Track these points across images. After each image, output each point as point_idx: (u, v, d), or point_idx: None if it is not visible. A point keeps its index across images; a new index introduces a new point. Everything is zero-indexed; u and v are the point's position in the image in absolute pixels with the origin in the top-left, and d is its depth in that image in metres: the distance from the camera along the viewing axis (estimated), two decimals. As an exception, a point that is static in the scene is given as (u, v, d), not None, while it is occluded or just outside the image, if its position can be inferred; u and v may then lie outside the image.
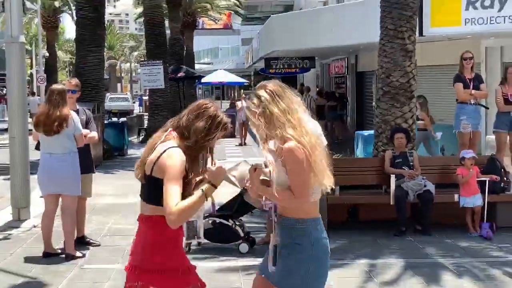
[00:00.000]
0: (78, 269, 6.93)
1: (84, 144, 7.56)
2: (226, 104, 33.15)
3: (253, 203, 7.47)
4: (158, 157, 3.42)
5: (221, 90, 52.17)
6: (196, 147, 3.48)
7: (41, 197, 8.07)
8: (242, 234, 7.62)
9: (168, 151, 3.41)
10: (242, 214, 7.88)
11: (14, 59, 8.98)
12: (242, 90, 44.52)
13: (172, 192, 3.30)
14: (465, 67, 10.17)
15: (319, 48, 20.26)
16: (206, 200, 3.40)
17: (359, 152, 13.24)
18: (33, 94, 38.41)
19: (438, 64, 16.57)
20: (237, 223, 7.74)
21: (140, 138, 25.27)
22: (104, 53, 65.24)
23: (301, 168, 3.40)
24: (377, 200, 8.92)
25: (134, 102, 49.62)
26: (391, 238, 8.30)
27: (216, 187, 3.40)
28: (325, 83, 30.83)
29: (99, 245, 7.90)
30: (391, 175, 8.66)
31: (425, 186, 8.53)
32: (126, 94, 52.26)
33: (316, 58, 26.36)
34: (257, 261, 7.17)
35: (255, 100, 3.53)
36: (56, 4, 42.50)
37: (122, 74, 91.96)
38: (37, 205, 9.96)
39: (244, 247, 7.56)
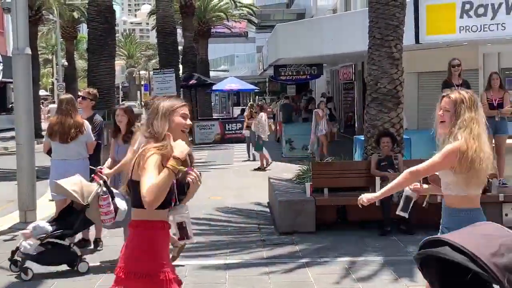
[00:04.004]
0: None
1: (94, 152, 8.09)
2: (237, 111, 33.59)
3: (94, 220, 7.22)
4: (134, 161, 3.68)
5: (237, 97, 52.77)
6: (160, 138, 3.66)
7: (52, 200, 8.54)
8: (79, 253, 7.21)
9: (141, 153, 3.66)
10: (81, 231, 7.57)
11: (20, 70, 9.53)
12: (257, 96, 45.07)
13: (146, 180, 3.45)
14: (453, 74, 10.45)
15: (323, 56, 20.68)
16: (176, 174, 3.49)
17: (357, 156, 13.60)
18: (53, 102, 39.34)
19: (438, 70, 16.95)
20: (75, 241, 7.39)
21: (154, 145, 25.77)
22: (124, 62, 66.34)
23: (442, 159, 4.01)
24: (363, 201, 9.31)
25: (141, 108, 54.26)
26: (376, 238, 8.69)
27: (179, 159, 3.51)
28: (335, 90, 31.21)
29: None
30: (376, 178, 9.06)
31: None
32: (135, 102, 57.93)
33: (324, 65, 26.75)
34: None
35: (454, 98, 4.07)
36: (75, 15, 43.35)
37: (142, 82, 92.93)
38: (43, 208, 10.52)
39: (84, 267, 7.13)
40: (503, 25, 13.17)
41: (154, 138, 3.71)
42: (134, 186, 3.65)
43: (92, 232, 8.29)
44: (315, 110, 17.93)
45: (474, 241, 2.83)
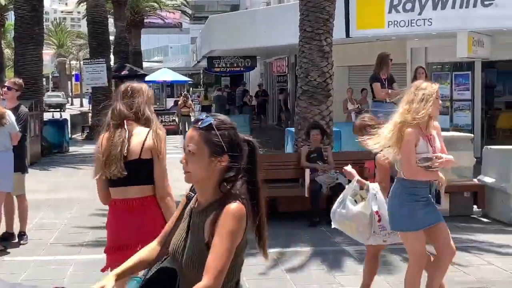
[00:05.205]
0: (-2, 261, 7.16)
1: (19, 143, 7.81)
2: (171, 102, 33.26)
3: None
4: (144, 141, 3.91)
5: (170, 88, 52.34)
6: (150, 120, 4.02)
7: None
8: None
9: (150, 134, 3.93)
10: None
11: None
12: (191, 88, 44.73)
13: (165, 171, 4.02)
14: (389, 67, 10.41)
15: (257, 48, 20.75)
16: None
17: (288, 148, 13.72)
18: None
19: (369, 64, 17.27)
20: None
21: (84, 135, 25.26)
22: (54, 51, 64.99)
23: None
24: (292, 193, 9.41)
25: (66, 98, 57.46)
26: (304, 229, 8.78)
27: None
28: (268, 82, 31.38)
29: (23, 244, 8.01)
30: (306, 170, 9.16)
31: (337, 179, 9.03)
32: (60, 93, 59.66)
33: (258, 57, 26.84)
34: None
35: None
36: (2, 2, 41.92)
37: (73, 72, 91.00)
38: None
39: None
40: (429, 20, 13.52)
41: (139, 123, 3.99)
42: (142, 165, 3.94)
43: (16, 225, 8.08)
44: None
45: None
